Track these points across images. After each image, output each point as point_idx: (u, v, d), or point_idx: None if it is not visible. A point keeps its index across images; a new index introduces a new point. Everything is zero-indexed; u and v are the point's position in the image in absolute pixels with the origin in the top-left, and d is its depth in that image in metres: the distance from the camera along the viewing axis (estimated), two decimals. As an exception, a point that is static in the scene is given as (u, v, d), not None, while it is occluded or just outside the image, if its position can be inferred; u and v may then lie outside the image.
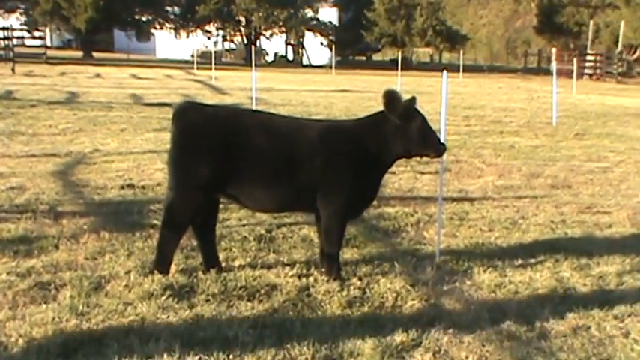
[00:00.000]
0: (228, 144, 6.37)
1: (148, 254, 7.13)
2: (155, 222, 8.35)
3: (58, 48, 77.58)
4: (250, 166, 6.40)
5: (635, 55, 64.73)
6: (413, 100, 6.59)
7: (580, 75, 50.21)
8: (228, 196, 6.65)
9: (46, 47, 58.58)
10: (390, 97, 6.45)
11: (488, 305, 6.15)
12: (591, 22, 65.01)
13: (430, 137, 6.61)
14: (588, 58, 61.56)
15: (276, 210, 7.30)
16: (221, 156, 6.34)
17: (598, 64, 60.67)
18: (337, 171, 6.44)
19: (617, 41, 61.45)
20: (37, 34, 66.67)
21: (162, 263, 6.58)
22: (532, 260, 7.49)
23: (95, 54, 65.52)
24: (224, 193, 6.56)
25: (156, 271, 6.52)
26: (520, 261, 7.44)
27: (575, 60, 41.37)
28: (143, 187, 10.45)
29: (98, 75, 40.19)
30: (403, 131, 6.48)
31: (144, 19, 70.90)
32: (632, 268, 7.34)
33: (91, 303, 5.87)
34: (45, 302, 5.90)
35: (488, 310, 6.03)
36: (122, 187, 10.37)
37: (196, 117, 6.55)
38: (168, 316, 5.62)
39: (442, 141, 6.82)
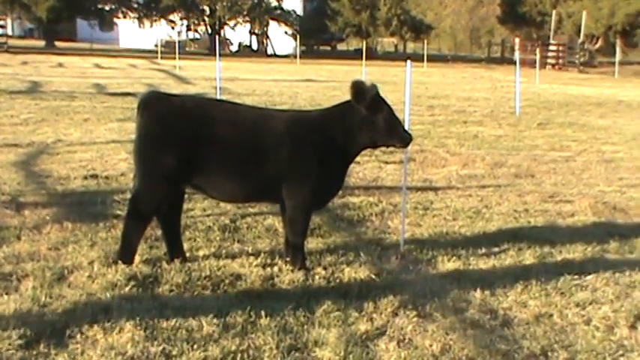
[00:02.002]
0: (195, 134, 6.33)
1: (111, 245, 7.07)
2: (119, 212, 8.29)
3: (20, 37, 76.62)
4: (217, 157, 6.37)
5: (597, 45, 65.47)
6: (374, 87, 6.55)
7: (543, 65, 50.65)
8: (194, 186, 6.62)
9: (7, 36, 57.74)
10: (358, 87, 6.44)
11: (452, 294, 6.18)
12: (554, 12, 65.54)
13: (396, 127, 6.62)
14: (551, 47, 62.03)
15: (242, 200, 7.29)
16: (187, 146, 6.30)
17: (560, 54, 61.20)
18: (302, 161, 6.43)
19: (580, 31, 62.05)
20: (-3, 22, 65.86)
21: (126, 253, 6.53)
22: (495, 249, 7.55)
23: (58, 43, 64.73)
24: (190, 183, 6.52)
25: (120, 262, 6.47)
26: (483, 250, 7.49)
27: (538, 50, 41.76)
28: (106, 178, 10.36)
29: (61, 64, 39.76)
30: (370, 121, 6.48)
31: (107, 8, 70.23)
32: (594, 257, 7.43)
33: (53, 294, 5.82)
34: (6, 293, 5.83)
35: (452, 298, 6.07)
36: (85, 178, 10.27)
37: (162, 107, 6.50)
38: (131, 307, 5.58)
39: (407, 130, 6.83)
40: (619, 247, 7.83)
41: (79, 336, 5.06)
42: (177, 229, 6.81)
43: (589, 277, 6.73)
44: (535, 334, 5.51)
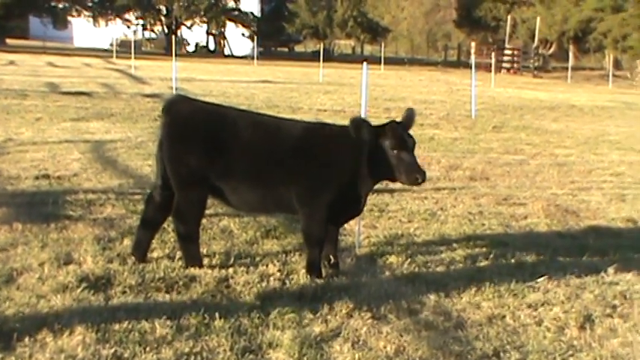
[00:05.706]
0: (220, 137, 6.34)
1: (62, 246, 6.97)
2: (71, 213, 8.20)
3: (-30, 34, 75.36)
4: (241, 161, 6.37)
5: (551, 51, 66.39)
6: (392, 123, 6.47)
7: (498, 69, 51.17)
8: (216, 193, 6.56)
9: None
10: (356, 125, 6.30)
11: (406, 296, 6.19)
12: (509, 18, 66.27)
13: (403, 164, 6.54)
14: (506, 52, 62.79)
15: (264, 210, 7.29)
16: (213, 149, 6.31)
17: (515, 59, 61.92)
18: (315, 172, 6.40)
19: (534, 36, 62.82)
20: (-56, 19, 64.61)
21: (192, 259, 6.56)
22: (450, 251, 7.59)
23: (9, 41, 63.77)
24: (213, 188, 6.48)
25: (192, 267, 6.49)
26: (438, 252, 7.53)
27: (493, 54, 42.16)
28: (59, 178, 10.22)
29: (12, 62, 39.18)
30: (374, 151, 6.40)
31: (60, 5, 69.26)
32: (546, 258, 7.50)
33: (1, 296, 5.71)
34: (-46, 296, 5.72)
35: (407, 300, 6.08)
36: (37, 178, 10.12)
37: (188, 109, 6.55)
38: (83, 309, 5.50)
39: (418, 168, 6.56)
40: (570, 249, 7.92)
41: (27, 339, 4.96)
42: (153, 234, 6.85)
43: (541, 279, 6.79)
44: (488, 335, 5.54)
